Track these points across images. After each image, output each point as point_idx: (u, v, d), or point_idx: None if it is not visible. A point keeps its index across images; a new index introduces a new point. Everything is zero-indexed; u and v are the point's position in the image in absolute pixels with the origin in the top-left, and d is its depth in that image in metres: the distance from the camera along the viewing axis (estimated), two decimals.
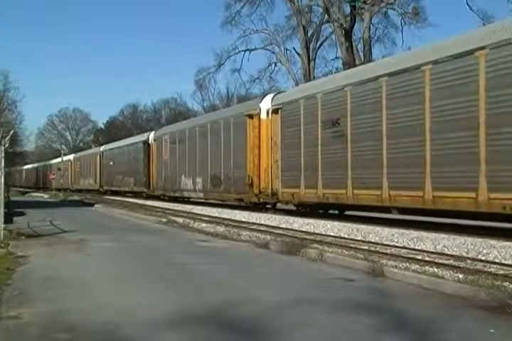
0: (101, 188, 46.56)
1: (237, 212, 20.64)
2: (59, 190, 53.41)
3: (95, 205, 29.27)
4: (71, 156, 61.01)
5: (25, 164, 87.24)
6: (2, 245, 11.20)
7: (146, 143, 35.07)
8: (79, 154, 59.19)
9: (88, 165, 51.28)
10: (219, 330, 5.13)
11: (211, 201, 26.99)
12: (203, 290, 7.04)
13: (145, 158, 34.88)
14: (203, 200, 28.39)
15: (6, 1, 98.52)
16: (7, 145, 13.16)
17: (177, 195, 29.87)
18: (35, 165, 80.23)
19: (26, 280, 7.61)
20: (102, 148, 48.14)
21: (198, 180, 26.64)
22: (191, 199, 29.91)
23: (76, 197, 41.69)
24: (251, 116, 21.40)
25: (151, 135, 34.84)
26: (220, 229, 14.67)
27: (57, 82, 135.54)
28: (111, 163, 43.37)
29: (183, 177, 28.69)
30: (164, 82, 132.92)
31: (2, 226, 12.39)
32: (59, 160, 63.77)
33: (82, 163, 54.34)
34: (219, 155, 24.54)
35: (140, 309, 5.92)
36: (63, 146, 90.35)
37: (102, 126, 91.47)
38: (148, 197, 34.21)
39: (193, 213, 20.83)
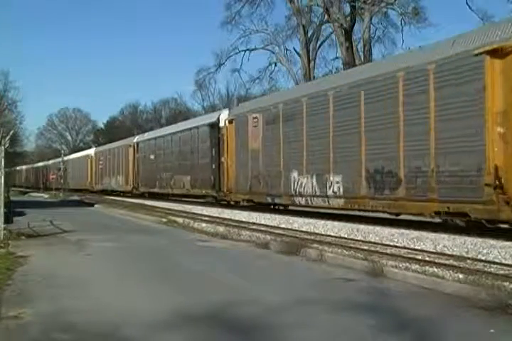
0: (135, 189, 37.48)
1: (236, 212, 20.64)
2: (72, 190, 51.17)
3: (95, 205, 29.28)
4: (90, 151, 52.43)
5: (25, 164, 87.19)
6: (2, 245, 11.20)
7: (214, 126, 25.07)
8: (103, 147, 49.52)
9: (116, 160, 42.06)
10: (219, 330, 5.13)
11: (359, 213, 16.77)
12: (202, 290, 7.04)
13: (213, 147, 24.98)
14: (339, 212, 17.72)
15: (5, 1, 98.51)
16: (7, 145, 13.16)
17: (282, 201, 19.80)
18: (36, 165, 79.77)
19: (26, 281, 7.61)
20: (136, 139, 38.56)
21: (335, 178, 16.27)
22: (316, 210, 18.91)
23: (76, 197, 41.68)
24: None
25: (223, 114, 24.58)
26: (220, 229, 14.67)
27: (57, 82, 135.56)
28: (151, 156, 34.12)
29: (294, 173, 18.24)
30: (164, 82, 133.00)
31: (2, 226, 12.39)
32: (67, 158, 60.60)
33: (108, 158, 44.47)
34: (394, 133, 13.86)
35: (140, 309, 5.92)
36: (63, 146, 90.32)
37: (102, 126, 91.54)
38: (217, 203, 25.00)
39: (193, 213, 20.83)
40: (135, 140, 38.69)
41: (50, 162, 70.36)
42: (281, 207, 21.36)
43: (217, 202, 25.19)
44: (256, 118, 21.29)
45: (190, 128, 28.67)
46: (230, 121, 23.15)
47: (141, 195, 36.40)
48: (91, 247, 11.33)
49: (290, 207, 20.92)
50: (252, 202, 21.57)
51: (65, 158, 60.62)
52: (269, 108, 20.20)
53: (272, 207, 21.49)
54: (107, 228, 16.37)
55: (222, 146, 24.00)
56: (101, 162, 46.39)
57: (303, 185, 17.82)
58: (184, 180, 28.78)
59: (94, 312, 5.78)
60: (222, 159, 23.81)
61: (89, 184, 49.40)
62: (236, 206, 23.57)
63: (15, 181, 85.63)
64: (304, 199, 17.96)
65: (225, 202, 24.52)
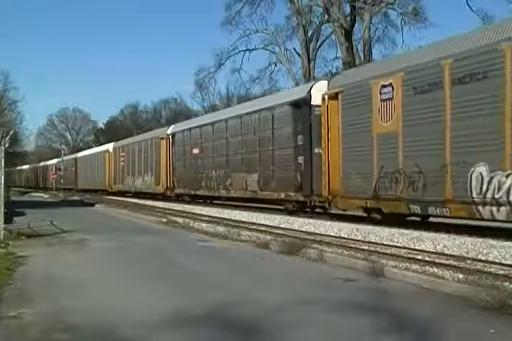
0: (169, 191, 30.81)
1: (236, 212, 20.64)
2: (83, 191, 48.21)
3: (95, 205, 29.27)
4: (108, 146, 45.60)
5: (25, 164, 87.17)
6: (2, 245, 11.20)
7: (301, 104, 18.37)
8: (125, 141, 42.23)
9: (143, 156, 35.18)
10: (219, 330, 5.13)
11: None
12: (203, 290, 7.04)
13: (299, 134, 18.43)
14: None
15: (5, 1, 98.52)
16: (7, 145, 13.16)
17: (447, 212, 12.42)
18: (36, 165, 79.44)
19: (26, 280, 7.61)
20: (171, 129, 31.50)
21: None
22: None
23: (76, 197, 41.66)
24: None
25: (319, 87, 17.69)
26: (220, 229, 14.66)
27: (57, 82, 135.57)
28: (195, 150, 27.43)
29: (481, 168, 11.41)
30: (164, 82, 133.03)
31: (2, 226, 12.39)
32: (78, 155, 57.12)
33: (131, 153, 37.83)
34: None
35: (140, 309, 5.92)
36: (63, 146, 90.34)
37: (102, 126, 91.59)
38: (304, 212, 18.27)
39: (193, 213, 20.82)
40: (169, 130, 31.49)
41: (49, 162, 69.92)
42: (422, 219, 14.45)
43: (303, 211, 18.20)
44: (389, 85, 13.97)
45: (259, 110, 21.18)
46: (333, 96, 16.17)
47: (178, 199, 29.65)
48: (91, 247, 11.33)
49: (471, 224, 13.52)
50: (377, 211, 14.66)
51: (77, 155, 56.73)
52: (421, 68, 12.98)
53: (420, 219, 14.50)
54: (107, 228, 16.37)
55: (315, 132, 17.32)
56: (122, 158, 39.72)
57: (503, 186, 10.90)
58: (248, 180, 21.58)
59: (94, 312, 5.78)
60: (317, 150, 17.29)
61: (106, 184, 43.46)
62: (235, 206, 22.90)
63: (15, 181, 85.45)
64: (506, 210, 10.87)
65: (321, 211, 17.94)
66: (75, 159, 56.73)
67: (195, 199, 27.89)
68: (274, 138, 20.09)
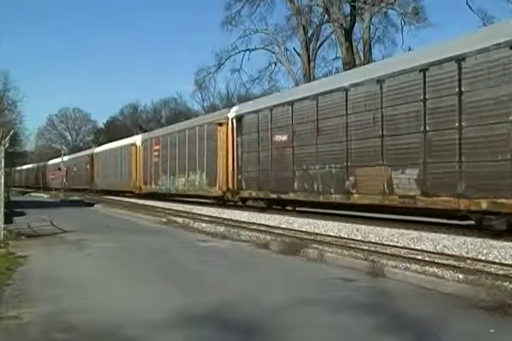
0: (231, 194, 22.84)
1: (237, 212, 20.63)
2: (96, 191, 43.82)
3: (95, 205, 29.26)
4: (135, 138, 37.54)
5: (25, 164, 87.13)
6: (2, 245, 11.21)
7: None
8: (159, 131, 35.18)
9: (187, 149, 27.26)
10: (219, 330, 5.13)
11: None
12: (203, 290, 7.04)
13: None
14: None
15: (5, 1, 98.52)
16: (7, 146, 13.17)
17: None
18: (35, 164, 78.92)
19: (26, 280, 7.61)
20: (235, 111, 23.18)
21: None
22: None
23: (76, 197, 41.65)
24: None
25: None
26: (220, 229, 14.67)
27: (57, 82, 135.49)
28: (279, 137, 19.23)
29: None
30: (164, 82, 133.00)
31: (2, 226, 12.40)
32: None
33: (169, 146, 29.98)
34: None
35: (140, 309, 5.92)
36: (63, 146, 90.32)
37: (102, 126, 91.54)
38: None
39: (193, 213, 20.82)
40: (232, 113, 23.09)
41: (56, 160, 69.24)
42: None
43: None
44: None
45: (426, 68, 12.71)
46: None
47: (245, 204, 22.26)
48: (91, 247, 11.33)
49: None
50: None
51: (94, 151, 49.35)
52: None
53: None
54: (107, 228, 16.37)
55: None
56: (155, 153, 32.20)
57: None
58: (395, 178, 13.81)
59: (94, 312, 5.78)
60: None
61: (133, 184, 35.92)
62: (237, 206, 22.49)
63: (15, 181, 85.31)
64: None
65: None
66: (91, 155, 48.81)
67: (276, 205, 20.29)
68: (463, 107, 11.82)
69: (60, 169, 57.54)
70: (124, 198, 36.31)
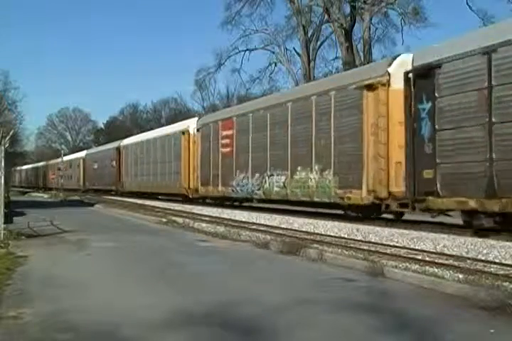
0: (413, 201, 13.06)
1: (237, 212, 20.64)
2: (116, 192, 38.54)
3: (95, 205, 29.27)
4: (187, 123, 29.30)
5: (25, 164, 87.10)
6: (2, 245, 11.20)
7: None
8: (232, 110, 27.93)
9: (293, 129, 18.79)
10: (219, 330, 5.13)
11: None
12: (203, 290, 7.04)
13: None
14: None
15: (5, 1, 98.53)
16: (7, 145, 13.16)
17: None
18: (35, 164, 78.34)
19: (26, 280, 7.61)
20: (400, 63, 14.31)
21: None
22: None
23: (76, 197, 41.64)
24: None
25: None
26: (220, 229, 14.67)
27: (57, 82, 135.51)
28: None
29: None
30: (164, 82, 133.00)
31: (2, 226, 12.39)
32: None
33: (256, 129, 21.46)
34: None
35: (140, 309, 5.92)
36: (63, 146, 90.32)
37: (102, 126, 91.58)
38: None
39: (193, 213, 20.83)
40: (395, 66, 14.55)
41: (70, 157, 68.20)
42: None
43: None
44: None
45: None
46: None
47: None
48: (91, 247, 11.32)
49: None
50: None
51: (121, 143, 40.84)
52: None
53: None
54: (107, 228, 16.36)
55: None
56: (225, 141, 23.83)
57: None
58: None
59: (94, 312, 5.78)
60: None
61: (184, 185, 28.27)
62: (236, 206, 23.53)
63: (15, 181, 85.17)
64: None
65: None
66: (118, 149, 40.65)
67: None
68: None
69: (70, 167, 51.95)
70: (124, 198, 36.07)
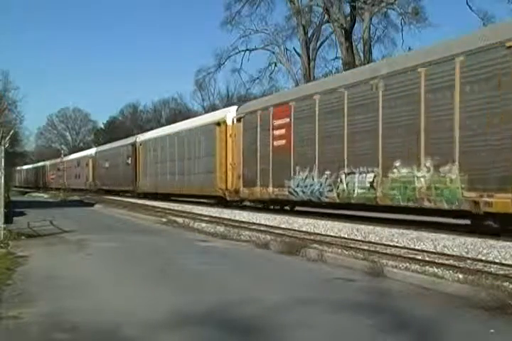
0: None
1: (237, 212, 20.63)
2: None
3: (95, 205, 29.26)
4: (224, 113, 24.86)
5: (25, 164, 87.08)
6: (2, 245, 11.20)
7: None
8: (287, 93, 23.85)
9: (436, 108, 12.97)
10: (219, 330, 5.12)
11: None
12: (203, 291, 7.03)
13: None
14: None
15: (5, 1, 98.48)
16: (7, 145, 13.16)
17: None
18: (36, 164, 78.11)
19: (26, 280, 7.60)
20: None
21: None
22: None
23: (76, 197, 41.63)
24: None
25: None
26: (220, 229, 14.67)
27: (57, 82, 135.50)
28: None
29: None
30: (164, 82, 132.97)
31: (2, 226, 12.39)
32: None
33: (329, 114, 16.78)
34: None
35: (140, 309, 5.92)
36: (63, 146, 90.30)
37: (102, 126, 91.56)
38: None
39: (193, 213, 20.82)
40: None
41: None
42: None
43: None
44: None
45: None
46: None
47: None
48: (91, 247, 11.32)
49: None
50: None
51: (137, 139, 36.64)
52: None
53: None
54: (107, 228, 16.36)
55: None
56: (279, 132, 19.50)
57: None
58: None
59: (94, 312, 5.77)
60: None
61: (219, 186, 23.82)
62: (236, 206, 23.24)
63: (15, 181, 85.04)
64: None
65: None
66: (134, 145, 36.39)
67: None
68: None
69: (77, 165, 48.48)
70: (123, 198, 35.94)
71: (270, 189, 19.89)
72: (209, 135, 25.48)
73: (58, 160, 61.18)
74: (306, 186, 17.73)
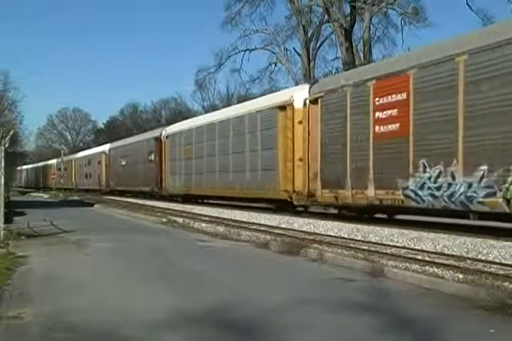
0: None
1: (237, 212, 20.62)
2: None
3: (95, 205, 29.26)
4: (290, 94, 19.31)
5: (25, 164, 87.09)
6: (2, 245, 11.20)
7: None
8: (403, 59, 15.19)
9: None
10: (219, 330, 5.13)
11: None
12: (202, 291, 7.03)
13: None
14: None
15: (5, 1, 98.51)
16: (7, 145, 13.16)
17: None
18: (39, 164, 77.66)
19: (26, 280, 7.61)
20: None
21: None
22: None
23: (76, 197, 41.61)
24: None
25: None
26: (220, 229, 14.67)
27: (57, 82, 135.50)
28: None
29: None
30: (164, 82, 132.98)
31: (2, 226, 12.39)
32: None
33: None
34: None
35: (140, 309, 5.92)
36: (63, 146, 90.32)
37: (102, 126, 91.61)
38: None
39: (193, 213, 20.81)
40: None
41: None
42: None
43: None
44: None
45: None
46: None
47: None
48: (91, 247, 11.32)
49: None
50: None
51: (164, 132, 31.56)
52: None
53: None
54: (107, 228, 16.36)
55: None
56: (382, 113, 14.40)
57: None
58: None
59: (93, 312, 5.78)
60: None
61: (281, 187, 19.02)
62: (236, 206, 22.93)
63: (15, 181, 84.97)
64: None
65: None
66: (158, 139, 31.73)
67: None
68: None
69: (88, 164, 44.09)
70: (123, 198, 35.84)
71: (370, 192, 14.70)
72: (268, 123, 20.26)
73: (65, 158, 57.95)
74: (438, 188, 12.62)
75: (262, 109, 20.87)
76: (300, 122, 18.09)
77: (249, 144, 21.67)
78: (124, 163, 38.27)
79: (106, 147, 43.76)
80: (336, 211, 17.22)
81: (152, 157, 32.51)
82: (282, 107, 19.18)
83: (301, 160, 17.99)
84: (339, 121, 16.04)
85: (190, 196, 27.96)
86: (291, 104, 18.62)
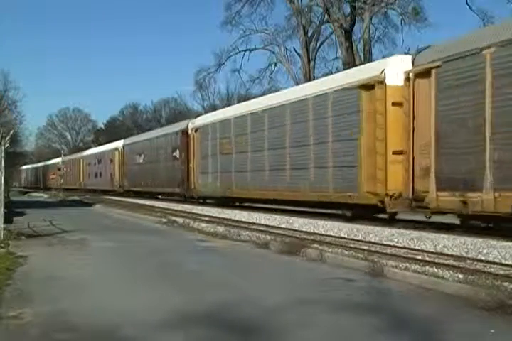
0: None
1: (237, 211, 20.62)
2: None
3: (95, 205, 29.26)
4: (378, 67, 14.76)
5: (25, 164, 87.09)
6: (2, 245, 11.20)
7: None
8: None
9: None
10: (219, 330, 5.12)
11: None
12: (202, 291, 7.03)
13: None
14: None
15: (5, 1, 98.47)
16: (7, 145, 13.16)
17: None
18: (41, 163, 77.42)
19: (26, 281, 7.61)
20: None
21: None
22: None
23: (76, 197, 41.61)
24: None
25: None
26: (220, 229, 14.66)
27: (57, 82, 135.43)
28: None
29: None
30: (164, 82, 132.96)
31: (2, 226, 12.39)
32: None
33: None
34: None
35: (140, 309, 5.92)
36: (63, 146, 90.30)
37: (102, 126, 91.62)
38: None
39: (193, 213, 20.81)
40: None
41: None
42: None
43: None
44: None
45: None
46: None
47: None
48: (91, 247, 11.33)
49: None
50: None
51: (192, 125, 27.01)
52: None
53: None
54: (107, 228, 16.37)
55: None
56: None
57: None
58: None
59: (94, 312, 5.78)
60: None
61: (365, 188, 14.68)
62: (235, 206, 22.79)
63: (15, 181, 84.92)
64: None
65: None
66: (185, 132, 27.57)
67: None
68: None
69: (99, 162, 41.19)
70: (122, 198, 35.70)
71: None
72: (344, 106, 15.94)
73: (71, 156, 54.23)
74: None
75: (337, 89, 16.32)
76: (396, 104, 13.95)
77: (315, 135, 17.17)
78: (141, 160, 34.24)
79: (119, 143, 39.89)
80: (457, 221, 12.83)
81: (177, 153, 28.15)
82: (367, 86, 14.87)
83: (398, 153, 13.88)
84: (470, 97, 11.67)
85: (230, 199, 23.64)
86: (382, 81, 14.34)
